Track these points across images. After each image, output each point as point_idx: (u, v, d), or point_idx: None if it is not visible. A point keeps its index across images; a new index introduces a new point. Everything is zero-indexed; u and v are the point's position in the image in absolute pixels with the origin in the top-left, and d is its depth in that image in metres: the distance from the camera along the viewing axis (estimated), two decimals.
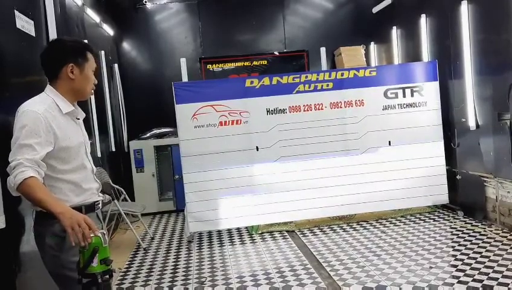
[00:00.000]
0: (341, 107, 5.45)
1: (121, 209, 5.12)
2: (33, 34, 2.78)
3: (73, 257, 1.94)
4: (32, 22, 2.77)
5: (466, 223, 5.08)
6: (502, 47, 4.50)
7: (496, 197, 4.80)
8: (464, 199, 5.41)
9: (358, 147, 5.47)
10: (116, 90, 7.04)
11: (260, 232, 5.40)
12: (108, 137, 6.22)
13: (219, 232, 5.55)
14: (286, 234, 5.29)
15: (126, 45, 7.71)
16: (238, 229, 5.58)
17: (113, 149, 6.35)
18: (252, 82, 5.35)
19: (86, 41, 5.10)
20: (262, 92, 5.33)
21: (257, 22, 7.84)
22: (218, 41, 7.87)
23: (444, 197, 5.55)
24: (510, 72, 4.36)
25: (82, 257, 1.81)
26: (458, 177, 5.45)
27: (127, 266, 4.59)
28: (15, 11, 2.50)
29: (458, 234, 4.71)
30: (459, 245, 4.36)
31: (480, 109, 4.96)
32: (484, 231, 4.72)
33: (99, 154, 5.40)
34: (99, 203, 2.28)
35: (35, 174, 1.89)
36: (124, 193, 5.83)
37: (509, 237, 4.42)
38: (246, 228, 5.58)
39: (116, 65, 7.11)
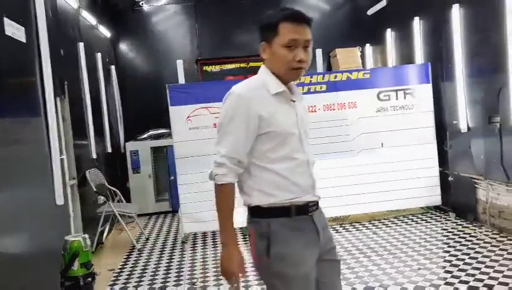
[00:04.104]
0: (334, 109, 5.51)
1: (115, 210, 5.18)
2: (24, 40, 2.83)
3: (285, 268, 1.75)
4: (23, 29, 2.83)
5: (457, 224, 5.12)
6: (493, 50, 4.53)
7: (487, 199, 4.84)
8: (456, 200, 5.45)
9: (351, 148, 5.52)
10: (112, 91, 7.10)
11: None
12: (105, 138, 6.28)
13: (213, 233, 5.60)
14: None
15: (123, 47, 7.77)
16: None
17: (109, 150, 6.40)
18: None
19: (81, 44, 5.28)
20: None
21: (254, 22, 7.87)
22: (215, 42, 7.93)
23: (436, 199, 5.59)
24: (500, 75, 4.40)
25: (63, 260, 1.86)
26: (450, 179, 5.49)
27: (120, 266, 4.64)
28: (4, 18, 2.55)
29: (449, 236, 4.75)
30: (449, 247, 4.40)
31: (471, 111, 5.00)
32: (474, 232, 4.76)
33: (94, 156, 5.45)
34: (314, 205, 1.89)
35: (234, 178, 1.82)
36: (119, 194, 5.89)
37: (499, 239, 4.46)
38: (240, 228, 5.63)
39: (113, 67, 7.17)
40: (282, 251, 1.75)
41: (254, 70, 7.02)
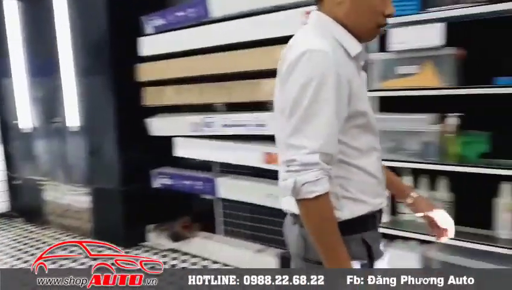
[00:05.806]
0: None
1: None
2: None
3: None
4: None
5: (24, 230, 4.87)
6: (50, 50, 4.50)
7: (52, 200, 4.83)
8: (24, 205, 5.20)
9: None
10: None
11: None
12: None
13: None
14: None
15: None
16: None
17: None
18: None
19: None
20: None
21: None
22: None
23: (4, 205, 5.19)
24: (57, 75, 4.41)
25: None
26: (17, 182, 5.19)
27: None
28: None
29: (13, 244, 4.43)
30: (11, 257, 4.09)
31: (35, 111, 4.85)
32: (41, 235, 4.65)
33: None
34: (382, 212, 1.34)
35: (328, 186, 1.12)
36: None
37: (64, 238, 4.51)
38: None
39: None
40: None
41: None
